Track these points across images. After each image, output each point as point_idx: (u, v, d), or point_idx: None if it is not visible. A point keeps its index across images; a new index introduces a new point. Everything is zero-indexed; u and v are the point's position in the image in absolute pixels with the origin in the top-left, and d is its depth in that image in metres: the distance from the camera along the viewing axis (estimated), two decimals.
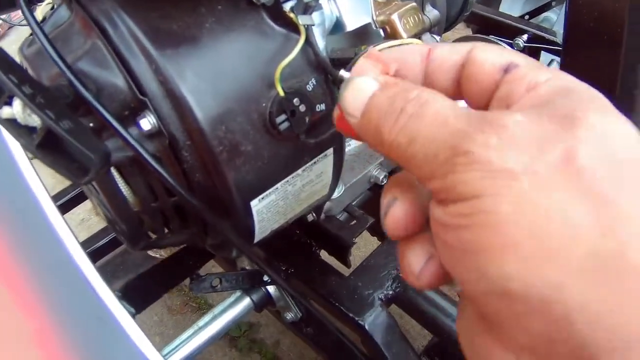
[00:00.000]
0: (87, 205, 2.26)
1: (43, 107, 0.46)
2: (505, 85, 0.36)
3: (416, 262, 0.38)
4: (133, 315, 0.65)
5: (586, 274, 0.28)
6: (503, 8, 2.10)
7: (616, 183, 0.30)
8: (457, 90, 0.40)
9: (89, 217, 2.30)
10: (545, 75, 0.35)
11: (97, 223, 2.23)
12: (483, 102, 0.38)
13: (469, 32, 1.69)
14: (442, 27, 0.90)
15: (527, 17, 1.80)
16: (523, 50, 1.44)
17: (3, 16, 2.12)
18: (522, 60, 0.37)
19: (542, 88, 0.34)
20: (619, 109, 0.67)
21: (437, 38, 0.84)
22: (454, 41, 1.57)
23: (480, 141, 0.31)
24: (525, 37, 1.46)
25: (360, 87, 0.39)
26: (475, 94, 0.38)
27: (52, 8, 0.67)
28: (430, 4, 0.83)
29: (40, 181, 0.52)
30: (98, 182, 0.59)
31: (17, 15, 3.44)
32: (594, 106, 0.32)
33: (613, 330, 0.28)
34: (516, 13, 2.01)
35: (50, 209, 0.55)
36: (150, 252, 1.18)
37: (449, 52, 0.40)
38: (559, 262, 0.29)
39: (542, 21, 1.95)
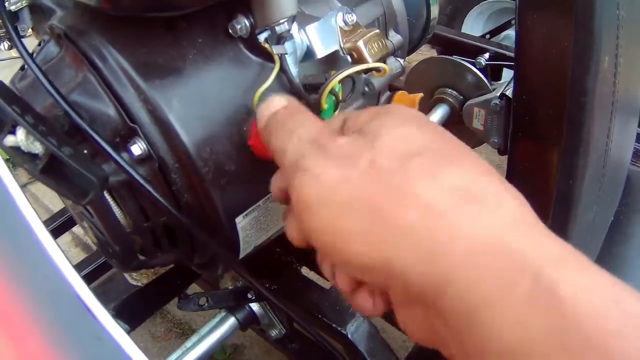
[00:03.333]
0: (66, 237, 2.28)
1: (45, 135, 0.50)
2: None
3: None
4: (128, 332, 0.68)
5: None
6: (465, 28, 2.17)
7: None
8: None
9: (68, 249, 2.32)
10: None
11: (77, 254, 2.25)
12: None
13: (434, 53, 1.74)
14: (405, 51, 0.95)
15: (488, 36, 1.87)
16: (485, 68, 1.48)
17: None
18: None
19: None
20: (570, 114, 0.72)
21: (401, 61, 0.89)
22: (420, 63, 1.63)
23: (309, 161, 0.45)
24: (487, 55, 1.50)
25: (271, 104, 0.54)
26: None
27: (40, 44, 0.71)
28: (393, 29, 0.89)
29: (32, 207, 0.55)
30: (93, 205, 0.63)
31: None
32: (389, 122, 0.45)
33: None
34: (478, 33, 2.08)
35: (43, 234, 0.58)
36: (131, 281, 1.21)
37: None
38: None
39: (503, 39, 2.01)
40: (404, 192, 0.40)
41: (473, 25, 2.21)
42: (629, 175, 1.37)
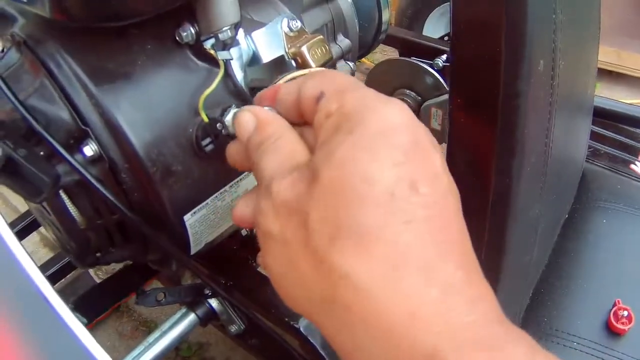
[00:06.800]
0: (34, 237, 2.29)
1: (2, 138, 0.54)
2: (316, 114, 0.41)
3: None
4: (85, 325, 0.71)
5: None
6: (427, 31, 2.21)
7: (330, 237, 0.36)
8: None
9: (37, 250, 2.33)
10: (336, 104, 0.39)
11: (46, 255, 2.26)
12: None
13: (397, 54, 1.78)
14: (355, 54, 0.99)
15: (446, 37, 1.91)
16: (442, 69, 1.51)
17: None
18: (332, 86, 0.41)
19: (329, 121, 0.39)
20: (502, 115, 0.72)
21: (351, 64, 0.93)
22: (379, 64, 1.67)
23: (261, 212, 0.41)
24: (444, 57, 1.53)
25: (243, 123, 0.46)
26: (312, 123, 0.42)
27: (2, 50, 0.74)
28: (342, 34, 0.93)
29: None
30: (49, 204, 0.67)
31: None
32: (341, 151, 0.36)
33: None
34: (439, 35, 2.13)
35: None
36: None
37: (286, 93, 0.45)
38: None
39: None
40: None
41: (435, 28, 2.25)
42: (584, 173, 1.41)
